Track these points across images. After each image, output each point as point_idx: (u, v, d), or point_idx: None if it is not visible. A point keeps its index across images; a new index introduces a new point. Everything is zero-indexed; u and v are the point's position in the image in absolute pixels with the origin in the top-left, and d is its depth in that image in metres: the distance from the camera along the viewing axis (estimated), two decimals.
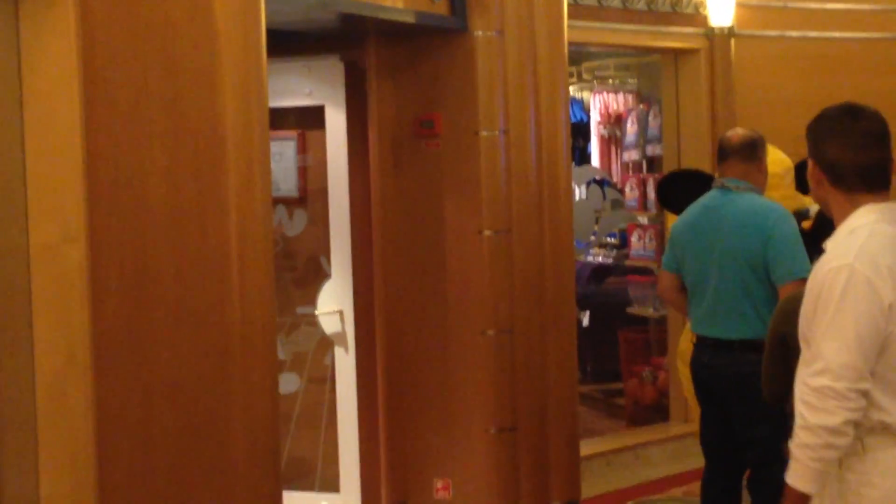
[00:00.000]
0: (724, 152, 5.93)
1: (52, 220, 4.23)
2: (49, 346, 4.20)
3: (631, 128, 10.72)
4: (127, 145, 4.37)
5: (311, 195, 7.10)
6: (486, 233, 6.65)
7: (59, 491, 4.20)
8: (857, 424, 3.38)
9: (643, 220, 9.38)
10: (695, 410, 6.54)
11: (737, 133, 6.01)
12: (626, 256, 9.66)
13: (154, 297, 4.43)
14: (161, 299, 4.44)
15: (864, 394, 3.35)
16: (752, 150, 5.89)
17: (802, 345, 3.51)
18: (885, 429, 3.41)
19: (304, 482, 7.10)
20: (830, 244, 3.53)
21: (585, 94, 11.68)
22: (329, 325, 6.99)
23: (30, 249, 4.24)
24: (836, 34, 8.97)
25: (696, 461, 6.34)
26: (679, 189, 6.69)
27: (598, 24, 7.99)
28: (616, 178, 11.01)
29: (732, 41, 8.64)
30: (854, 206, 3.53)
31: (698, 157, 8.50)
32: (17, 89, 4.21)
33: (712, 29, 8.57)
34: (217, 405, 4.55)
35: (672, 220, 6.62)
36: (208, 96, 4.51)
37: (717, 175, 6.09)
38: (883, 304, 3.37)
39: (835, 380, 3.33)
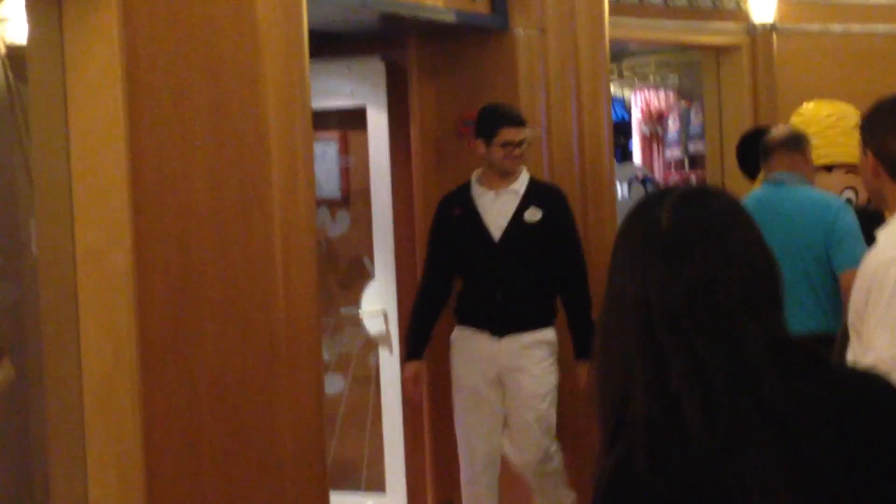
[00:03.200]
0: (770, 147, 5.92)
1: (98, 224, 4.25)
2: (96, 350, 4.23)
3: (673, 125, 10.66)
4: (170, 148, 4.38)
5: (353, 196, 7.11)
6: None
7: (107, 493, 4.22)
8: None
9: None
10: None
11: (779, 128, 6.05)
12: None
13: (199, 298, 4.44)
14: (206, 301, 4.45)
15: None
16: (797, 143, 5.90)
17: (852, 335, 3.48)
18: None
19: (350, 482, 7.11)
20: (883, 235, 3.49)
21: (626, 92, 11.63)
22: (373, 325, 7.00)
23: (76, 253, 4.26)
24: (880, 27, 8.91)
25: None
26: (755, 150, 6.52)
27: (639, 21, 7.96)
28: (658, 176, 10.97)
29: (774, 36, 8.58)
30: None
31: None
32: (62, 93, 4.23)
33: (754, 24, 8.52)
34: (263, 406, 4.56)
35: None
36: (251, 98, 4.52)
37: (761, 173, 6.06)
38: None
39: (888, 371, 3.30)
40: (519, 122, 6.05)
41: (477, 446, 6.07)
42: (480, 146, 6.04)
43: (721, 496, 1.81)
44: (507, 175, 6.06)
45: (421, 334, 6.18)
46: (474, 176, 6.16)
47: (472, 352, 6.06)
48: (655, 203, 1.95)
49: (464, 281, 6.16)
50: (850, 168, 6.08)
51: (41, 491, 4.41)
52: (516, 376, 6.00)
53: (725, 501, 1.81)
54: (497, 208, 6.07)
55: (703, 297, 1.86)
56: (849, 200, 6.45)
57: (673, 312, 1.86)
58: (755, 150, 6.24)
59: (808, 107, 6.79)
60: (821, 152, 6.21)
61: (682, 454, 1.83)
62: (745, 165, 6.79)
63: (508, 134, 5.97)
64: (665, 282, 1.88)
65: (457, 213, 6.11)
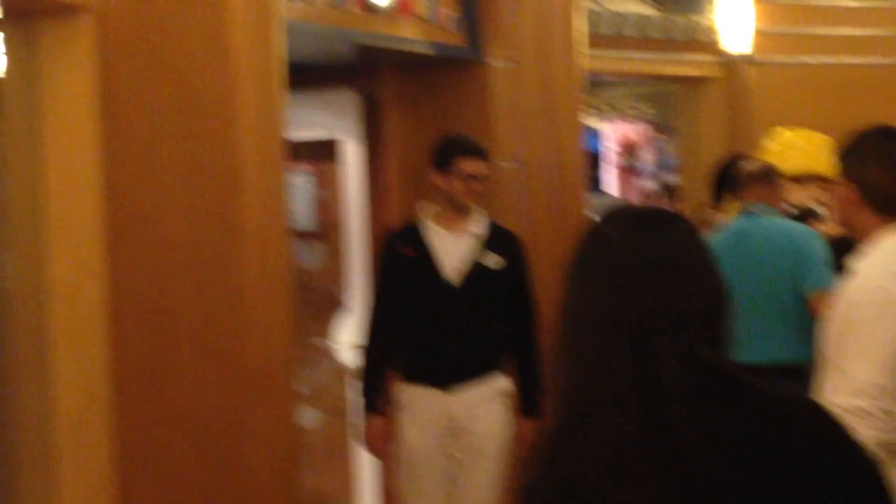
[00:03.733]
0: (745, 179, 5.99)
1: (72, 256, 4.24)
2: (69, 383, 4.20)
3: (647, 157, 10.72)
4: (145, 180, 4.37)
5: (328, 228, 7.10)
6: None
7: None
8: (886, 445, 3.35)
9: None
10: None
11: (753, 161, 6.14)
12: None
13: (173, 329, 4.42)
14: (181, 333, 4.43)
15: (893, 415, 3.33)
16: (770, 176, 6.00)
17: (823, 363, 3.48)
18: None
19: None
20: (863, 265, 3.50)
21: (602, 124, 11.69)
22: (346, 357, 6.98)
23: (49, 285, 4.24)
24: (854, 60, 8.96)
25: None
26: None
27: (614, 53, 8.00)
28: None
29: (749, 68, 8.63)
30: (887, 228, 3.52)
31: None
32: (37, 126, 4.22)
33: (728, 56, 8.56)
34: (238, 439, 4.53)
35: None
36: (226, 129, 4.52)
37: (729, 203, 6.12)
38: None
39: (868, 400, 3.30)
40: (480, 153, 5.63)
41: None
42: (437, 178, 5.56)
43: None
44: (463, 210, 5.56)
45: (381, 388, 5.63)
46: (425, 213, 5.64)
47: (424, 412, 5.50)
48: (612, 222, 2.02)
49: (410, 330, 5.57)
50: (820, 180, 6.13)
51: None
52: (471, 434, 5.50)
53: None
54: (455, 251, 5.55)
55: (641, 320, 1.91)
56: (813, 213, 6.54)
57: (606, 328, 1.92)
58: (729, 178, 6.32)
59: (781, 131, 6.85)
60: (791, 163, 6.27)
61: (572, 467, 1.89)
62: (718, 192, 6.86)
63: (468, 165, 5.53)
64: (605, 300, 1.94)
65: (408, 252, 5.57)
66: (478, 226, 5.62)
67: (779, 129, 6.78)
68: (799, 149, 6.38)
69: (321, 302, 7.17)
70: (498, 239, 5.65)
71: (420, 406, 5.53)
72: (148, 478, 4.34)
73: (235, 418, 4.55)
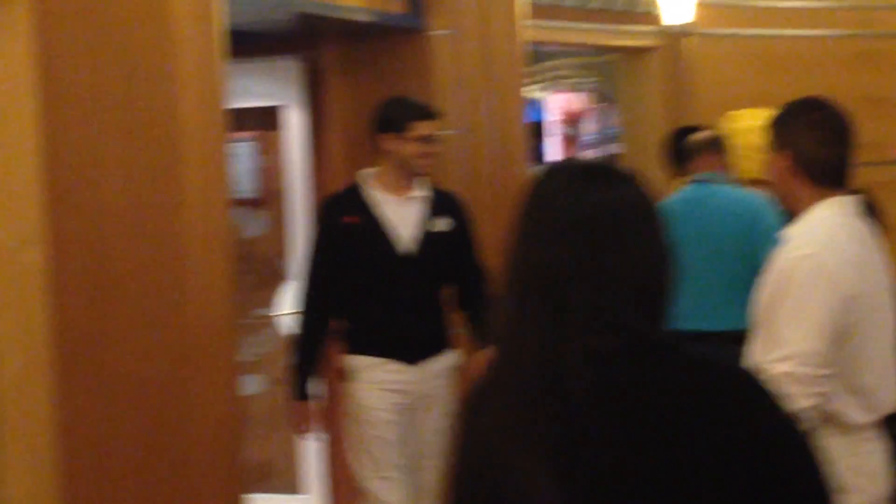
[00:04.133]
0: (694, 149, 6.06)
1: (11, 224, 4.22)
2: (9, 348, 4.20)
3: (590, 127, 10.77)
4: (84, 146, 4.36)
5: (269, 196, 7.10)
6: None
7: (22, 493, 4.20)
8: (818, 410, 3.41)
9: None
10: None
11: (703, 132, 6.20)
12: None
13: (114, 298, 4.42)
14: (121, 300, 4.43)
15: (827, 380, 3.39)
16: (719, 145, 6.09)
17: (755, 330, 3.54)
18: (830, 418, 3.45)
19: (268, 484, 7.09)
20: (794, 232, 3.56)
21: (544, 94, 11.72)
22: (288, 326, 6.98)
23: None
24: (795, 32, 9.03)
25: None
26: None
27: (555, 24, 8.02)
28: None
29: (687, 40, 8.68)
30: (821, 198, 3.57)
31: (657, 156, 8.54)
32: None
33: (666, 27, 8.61)
34: (179, 405, 4.55)
35: None
36: (166, 97, 4.51)
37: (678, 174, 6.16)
38: (846, 294, 3.40)
39: (799, 365, 3.36)
40: (434, 114, 5.47)
41: (393, 488, 5.29)
42: (388, 142, 5.34)
43: (492, 476, 1.86)
44: (416, 176, 5.39)
45: (311, 371, 5.41)
46: (365, 178, 5.44)
47: (383, 383, 5.30)
48: (555, 172, 2.00)
49: (359, 302, 5.36)
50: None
51: None
52: (429, 410, 5.36)
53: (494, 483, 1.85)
54: (403, 216, 5.35)
55: (559, 276, 1.87)
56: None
57: (526, 281, 1.90)
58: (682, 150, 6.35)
59: (741, 114, 6.86)
60: (748, 166, 6.31)
61: (482, 430, 1.90)
62: (670, 163, 6.88)
63: (424, 128, 5.35)
64: (530, 251, 1.91)
65: (351, 220, 5.33)
66: (422, 189, 5.45)
67: (738, 113, 6.80)
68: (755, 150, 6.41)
69: (263, 270, 7.16)
70: (443, 201, 5.50)
71: (380, 378, 5.31)
72: (89, 442, 4.34)
73: (177, 386, 4.56)
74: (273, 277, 7.12)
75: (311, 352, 5.43)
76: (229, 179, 4.87)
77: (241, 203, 6.93)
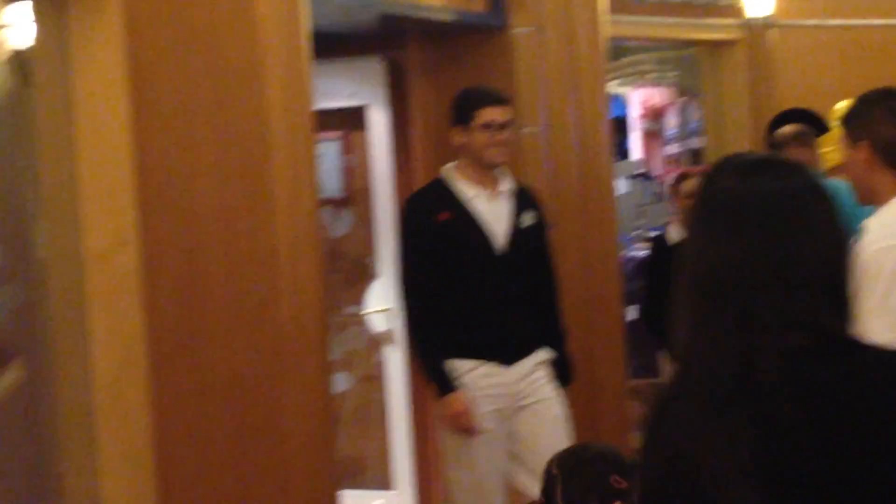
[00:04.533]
0: (779, 143, 6.03)
1: (105, 226, 4.29)
2: (105, 349, 4.26)
3: (672, 121, 10.72)
4: (175, 149, 4.42)
5: (356, 195, 7.15)
6: None
7: (119, 490, 4.26)
8: None
9: None
10: None
11: (790, 125, 6.16)
12: None
13: (206, 298, 4.48)
14: (213, 300, 4.49)
15: None
16: (807, 138, 6.05)
17: None
18: None
19: (358, 480, 7.14)
20: (875, 223, 3.54)
21: (626, 89, 11.69)
22: (378, 324, 7.03)
23: (83, 255, 4.30)
24: (878, 21, 8.93)
25: None
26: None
27: (637, 18, 8.00)
28: (659, 172, 11.02)
29: (770, 31, 8.62)
30: None
31: (740, 149, 8.49)
32: (67, 97, 4.27)
33: (749, 20, 8.56)
34: (271, 403, 4.60)
35: None
36: (254, 98, 4.57)
37: None
38: None
39: None
40: (501, 100, 5.24)
41: (493, 493, 5.13)
42: (459, 135, 5.16)
43: (688, 474, 1.82)
44: (490, 167, 5.16)
45: (446, 364, 5.10)
46: (450, 173, 5.23)
47: (480, 388, 5.08)
48: (724, 168, 1.95)
49: (451, 303, 5.13)
50: None
51: (53, 491, 4.45)
52: (534, 406, 5.16)
53: (691, 482, 1.82)
54: (494, 212, 5.15)
55: (744, 272, 1.84)
56: None
57: (707, 280, 1.86)
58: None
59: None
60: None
61: (672, 432, 1.87)
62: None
63: (490, 114, 5.13)
64: (709, 249, 1.87)
65: (443, 217, 5.12)
66: (508, 182, 5.27)
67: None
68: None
69: (351, 269, 7.22)
70: (525, 195, 5.32)
71: (479, 383, 5.10)
72: (184, 441, 4.40)
73: (269, 384, 4.61)
74: (360, 276, 7.17)
75: (436, 348, 5.15)
76: (317, 179, 4.92)
77: (328, 202, 6.99)
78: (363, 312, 7.06)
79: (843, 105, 6.52)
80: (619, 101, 11.60)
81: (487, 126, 5.13)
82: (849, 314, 1.87)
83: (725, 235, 1.87)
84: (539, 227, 5.34)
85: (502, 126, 5.16)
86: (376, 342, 7.11)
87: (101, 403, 4.25)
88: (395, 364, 7.05)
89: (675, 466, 1.85)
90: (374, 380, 7.18)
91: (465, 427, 5.13)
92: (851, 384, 1.81)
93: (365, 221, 7.11)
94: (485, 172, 5.19)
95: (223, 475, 4.51)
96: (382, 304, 7.02)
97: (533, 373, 5.19)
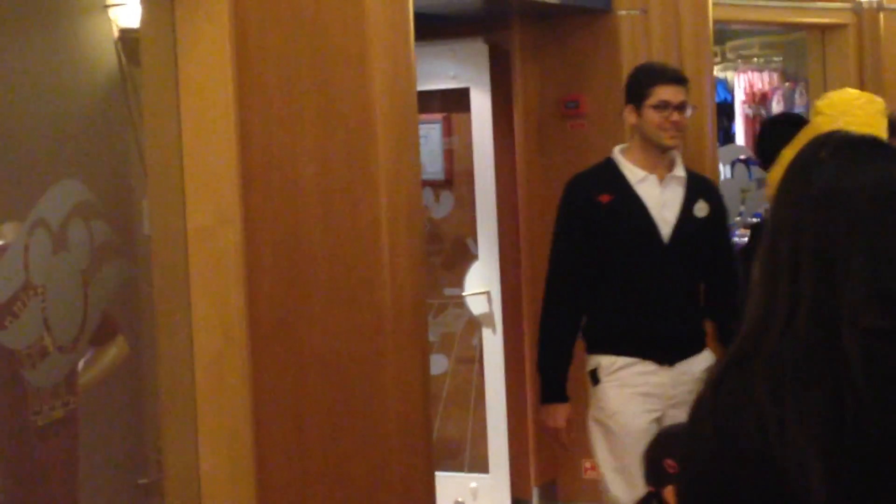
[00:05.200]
0: None
1: (208, 204, 4.32)
2: (207, 327, 4.30)
3: (776, 107, 10.60)
4: (278, 129, 4.45)
5: (457, 177, 7.16)
6: None
7: (218, 466, 4.30)
8: None
9: None
10: None
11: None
12: None
13: (307, 276, 4.50)
14: (314, 279, 4.51)
15: None
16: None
17: None
18: None
19: (454, 462, 7.16)
20: None
21: (730, 74, 11.57)
22: (476, 306, 7.04)
23: (187, 232, 4.34)
24: None
25: None
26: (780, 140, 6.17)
27: (742, 2, 7.91)
28: None
29: (881, 16, 8.49)
30: None
31: None
32: (173, 76, 4.31)
33: (860, 3, 8.43)
34: (370, 383, 4.61)
35: None
36: (357, 79, 4.58)
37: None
38: None
39: None
40: (677, 78, 4.89)
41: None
42: (629, 114, 4.86)
43: (761, 449, 1.79)
44: (663, 150, 4.82)
45: (566, 368, 4.89)
46: (621, 154, 4.92)
47: (635, 386, 4.80)
48: (821, 144, 1.93)
49: (609, 292, 4.83)
50: None
51: (154, 463, 4.51)
52: (678, 418, 4.58)
53: (764, 458, 1.78)
54: (663, 199, 4.82)
55: (821, 256, 1.83)
56: None
57: (793, 259, 1.84)
58: (779, 137, 5.90)
59: (835, 92, 6.59)
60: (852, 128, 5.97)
61: (737, 389, 1.84)
62: (765, 152, 6.34)
63: (664, 92, 4.80)
64: (813, 229, 1.85)
65: (605, 199, 4.82)
66: (681, 168, 4.94)
67: (833, 92, 6.55)
68: (854, 116, 6.02)
69: (451, 251, 7.23)
70: (699, 184, 4.97)
71: (634, 381, 4.81)
72: (282, 419, 4.43)
73: (369, 365, 4.63)
74: (460, 258, 7.17)
75: (561, 349, 4.89)
76: (419, 159, 4.92)
77: (429, 184, 7.00)
78: (462, 294, 7.07)
79: (832, 93, 6.29)
80: (724, 86, 11.48)
81: (661, 106, 4.81)
82: None
83: (817, 210, 1.85)
84: (713, 221, 4.96)
85: (677, 107, 4.83)
86: (474, 324, 7.12)
87: (202, 380, 4.29)
88: (493, 346, 7.05)
89: (728, 438, 1.83)
90: (471, 362, 7.19)
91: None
92: None
93: (465, 204, 7.11)
94: (657, 155, 4.85)
95: (320, 454, 4.53)
96: (481, 287, 7.03)
97: (693, 380, 4.75)
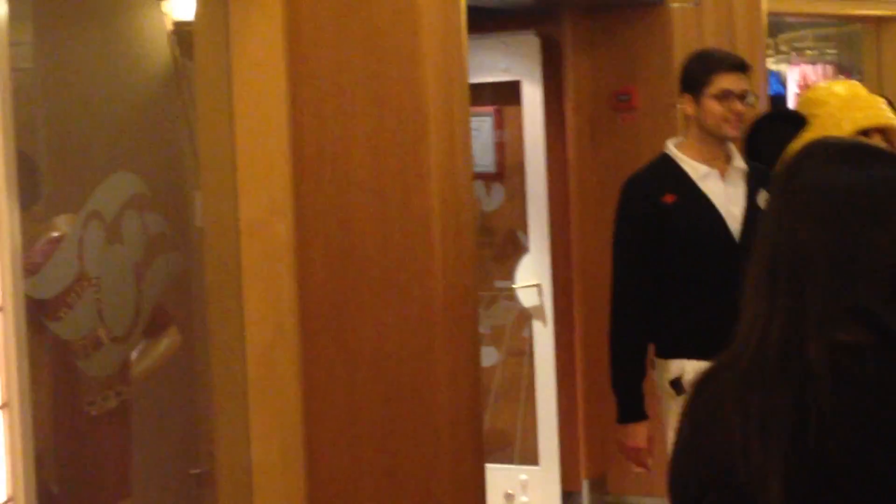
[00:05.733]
0: None
1: (260, 196, 4.35)
2: (259, 318, 4.33)
3: None
4: (331, 120, 4.46)
5: (508, 170, 7.15)
6: None
7: (269, 457, 4.33)
8: None
9: None
10: None
11: None
12: None
13: (358, 268, 4.51)
14: (365, 271, 4.52)
15: None
16: None
17: None
18: None
19: (504, 455, 7.16)
20: None
21: (783, 67, 11.49)
22: (527, 298, 7.03)
23: (239, 225, 4.37)
24: None
25: None
26: (770, 137, 5.94)
27: None
28: None
29: None
30: None
31: None
32: (226, 69, 4.33)
33: None
34: (421, 375, 4.62)
35: None
36: (410, 71, 4.58)
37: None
38: None
39: None
40: (740, 65, 4.60)
41: None
42: (687, 104, 4.58)
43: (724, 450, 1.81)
44: (723, 142, 4.58)
45: (640, 384, 4.61)
46: (675, 149, 4.65)
47: None
48: (809, 152, 1.91)
49: (681, 296, 4.57)
50: (880, 131, 5.66)
51: (206, 454, 4.54)
52: None
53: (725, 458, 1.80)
54: (728, 193, 4.57)
55: (797, 261, 1.81)
56: None
57: (770, 267, 1.85)
58: (770, 137, 5.71)
59: (821, 85, 6.46)
60: (856, 115, 5.77)
61: (710, 399, 1.87)
62: (757, 151, 6.05)
63: (727, 81, 4.51)
64: (774, 235, 1.85)
65: (669, 200, 4.55)
66: (739, 159, 4.68)
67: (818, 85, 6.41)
68: (860, 99, 5.87)
69: (502, 243, 7.23)
70: (759, 174, 4.67)
71: None
72: (333, 411, 4.45)
73: (419, 356, 4.63)
74: (511, 250, 7.17)
75: (634, 366, 4.63)
76: (471, 152, 4.92)
77: (480, 177, 7.00)
78: (513, 287, 7.07)
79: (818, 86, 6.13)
80: (777, 79, 11.40)
81: (723, 95, 4.52)
82: None
83: (798, 217, 1.83)
84: None
85: (739, 96, 4.54)
86: (525, 317, 7.11)
87: (254, 371, 4.32)
88: (544, 339, 7.04)
89: (701, 432, 1.86)
90: (521, 354, 7.18)
91: (639, 463, 4.75)
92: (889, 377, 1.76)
93: (516, 196, 7.11)
94: (716, 148, 4.60)
95: (371, 446, 4.54)
96: (532, 280, 7.02)
97: None
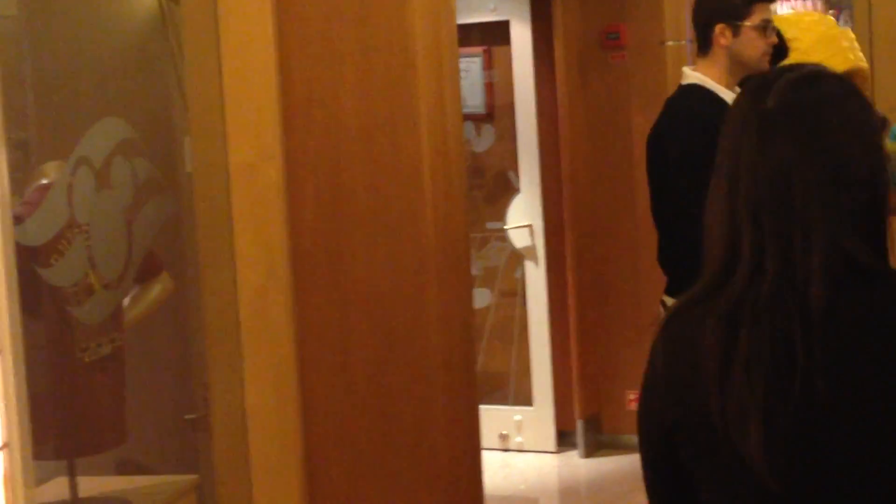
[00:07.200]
0: None
1: (250, 140, 4.33)
2: (250, 262, 4.32)
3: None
4: (319, 64, 4.44)
5: (497, 111, 7.14)
6: None
7: (263, 401, 4.34)
8: None
9: None
10: None
11: None
12: None
13: (349, 212, 4.51)
14: (356, 214, 4.52)
15: None
16: None
17: None
18: None
19: (498, 396, 7.19)
20: None
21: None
22: (519, 239, 7.04)
23: (229, 169, 4.35)
24: None
25: None
26: None
27: None
28: None
29: None
30: None
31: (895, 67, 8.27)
32: (213, 12, 4.31)
33: None
34: (413, 317, 4.62)
35: None
36: (397, 12, 4.55)
37: None
38: None
39: None
40: None
41: None
42: (723, 34, 4.26)
43: (696, 380, 1.80)
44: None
45: None
46: (710, 81, 4.35)
47: None
48: (767, 83, 1.89)
49: None
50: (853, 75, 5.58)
51: (201, 398, 4.55)
52: None
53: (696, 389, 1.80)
54: None
55: (781, 184, 1.79)
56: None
57: (753, 196, 1.81)
58: None
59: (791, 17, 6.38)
60: (841, 58, 5.68)
61: (699, 327, 1.83)
62: None
63: (767, 11, 4.27)
64: (753, 161, 1.83)
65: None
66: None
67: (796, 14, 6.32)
68: (830, 43, 5.73)
69: (492, 184, 7.22)
70: None
71: None
72: (326, 353, 4.46)
73: (412, 298, 4.63)
74: (502, 191, 7.16)
75: None
76: (460, 93, 4.91)
77: (470, 118, 6.99)
78: (504, 228, 7.07)
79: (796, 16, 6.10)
80: None
81: (763, 27, 4.26)
82: (881, 241, 1.82)
83: (771, 144, 1.82)
84: None
85: (773, 28, 4.32)
86: (517, 258, 7.12)
87: (246, 315, 4.32)
88: (536, 280, 7.05)
89: (675, 368, 1.85)
90: (514, 295, 7.20)
91: None
92: (874, 312, 1.76)
93: (507, 137, 7.10)
94: (739, 77, 4.33)
95: (364, 387, 4.55)
96: (523, 220, 7.02)
97: None
